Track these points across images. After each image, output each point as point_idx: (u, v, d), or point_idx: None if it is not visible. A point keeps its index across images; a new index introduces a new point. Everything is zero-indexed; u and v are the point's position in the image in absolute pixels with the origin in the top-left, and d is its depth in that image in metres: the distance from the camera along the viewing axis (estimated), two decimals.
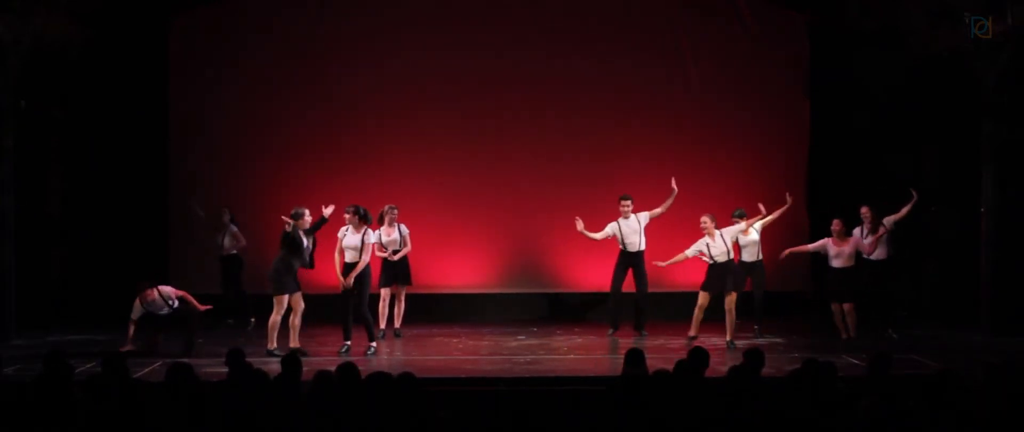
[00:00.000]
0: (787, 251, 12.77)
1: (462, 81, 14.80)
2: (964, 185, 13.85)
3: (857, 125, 14.77)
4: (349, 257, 11.76)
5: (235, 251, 14.05)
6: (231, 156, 14.69)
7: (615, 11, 14.87)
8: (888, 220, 12.92)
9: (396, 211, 13.09)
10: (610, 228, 13.18)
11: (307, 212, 11.63)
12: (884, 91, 14.57)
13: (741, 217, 12.84)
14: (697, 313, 12.37)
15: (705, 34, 14.94)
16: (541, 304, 14.98)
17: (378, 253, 12.81)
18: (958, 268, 14.05)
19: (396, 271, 13.08)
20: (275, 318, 11.49)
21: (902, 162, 14.74)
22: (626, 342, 12.31)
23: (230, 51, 14.74)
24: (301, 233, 11.55)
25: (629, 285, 13.27)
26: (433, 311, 14.27)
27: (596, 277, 14.77)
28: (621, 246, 13.19)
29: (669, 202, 13.05)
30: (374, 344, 11.81)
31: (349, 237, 11.80)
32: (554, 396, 9.22)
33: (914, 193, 12.77)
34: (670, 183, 13.05)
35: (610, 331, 13.22)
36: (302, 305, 11.61)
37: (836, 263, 12.51)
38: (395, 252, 13.00)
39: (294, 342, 11.44)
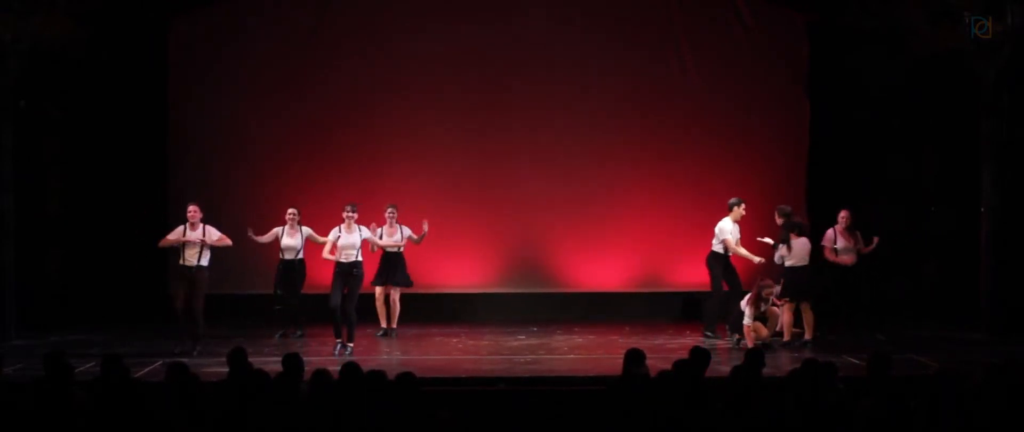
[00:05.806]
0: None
1: (463, 82, 14.76)
2: (964, 185, 13.84)
3: (857, 125, 14.76)
4: (345, 257, 11.81)
5: (301, 256, 13.02)
6: (230, 156, 14.66)
7: (615, 11, 14.85)
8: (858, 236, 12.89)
9: (396, 211, 13.11)
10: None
11: None
12: (884, 91, 14.56)
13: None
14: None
15: (705, 34, 14.91)
16: (542, 304, 14.95)
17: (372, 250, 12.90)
18: (958, 268, 14.03)
19: (392, 271, 13.08)
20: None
21: (902, 162, 14.74)
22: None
23: (230, 51, 14.70)
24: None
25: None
26: (433, 311, 14.25)
27: (597, 277, 14.78)
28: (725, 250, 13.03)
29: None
30: (350, 345, 11.77)
31: (345, 236, 11.84)
32: (554, 396, 9.23)
33: (875, 240, 12.85)
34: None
35: (734, 335, 12.46)
36: None
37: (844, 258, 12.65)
38: (394, 245, 13.04)
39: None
